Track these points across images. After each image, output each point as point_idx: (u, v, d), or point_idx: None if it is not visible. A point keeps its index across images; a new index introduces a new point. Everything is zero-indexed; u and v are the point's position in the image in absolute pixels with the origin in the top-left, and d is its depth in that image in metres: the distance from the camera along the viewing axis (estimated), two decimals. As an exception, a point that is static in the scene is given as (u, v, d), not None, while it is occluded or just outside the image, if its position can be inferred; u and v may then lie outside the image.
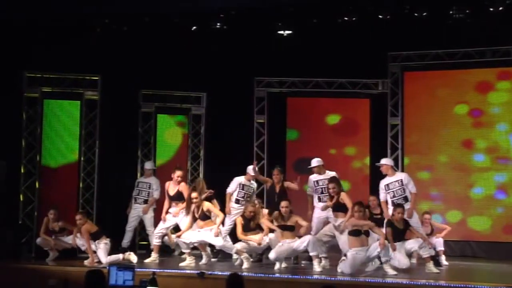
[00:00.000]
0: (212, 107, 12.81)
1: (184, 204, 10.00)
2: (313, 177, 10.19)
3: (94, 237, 9.65)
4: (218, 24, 12.24)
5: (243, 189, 10.27)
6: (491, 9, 11.46)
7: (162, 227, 10.27)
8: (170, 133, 12.86)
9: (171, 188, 10.29)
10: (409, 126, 12.77)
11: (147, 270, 8.35)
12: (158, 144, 12.63)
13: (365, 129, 13.03)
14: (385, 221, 9.46)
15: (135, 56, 11.85)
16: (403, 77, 12.86)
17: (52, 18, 11.22)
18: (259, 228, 9.85)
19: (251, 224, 9.83)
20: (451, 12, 11.69)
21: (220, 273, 8.58)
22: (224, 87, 12.45)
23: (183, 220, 10.04)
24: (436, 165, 12.27)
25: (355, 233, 8.80)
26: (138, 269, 7.65)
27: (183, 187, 10.27)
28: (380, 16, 11.94)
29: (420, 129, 12.72)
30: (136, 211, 10.86)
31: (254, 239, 9.74)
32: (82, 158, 11.45)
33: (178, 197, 10.21)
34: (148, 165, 11.28)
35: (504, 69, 12.39)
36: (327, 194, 9.93)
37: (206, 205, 9.79)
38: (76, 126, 11.54)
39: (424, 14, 11.84)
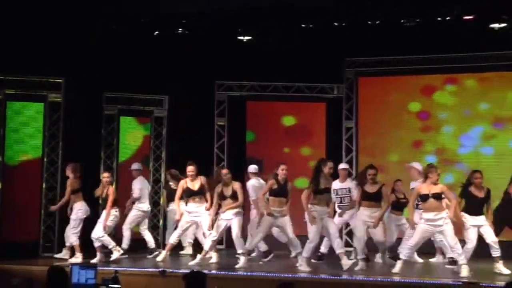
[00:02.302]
0: (174, 110, 12.69)
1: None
2: (335, 185, 10.02)
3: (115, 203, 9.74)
4: (180, 29, 12.17)
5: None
6: (439, 19, 11.63)
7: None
8: (133, 135, 12.68)
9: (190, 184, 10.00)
10: (363, 129, 12.88)
11: (109, 268, 8.23)
12: (121, 145, 12.44)
13: (321, 131, 13.09)
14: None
15: (99, 60, 11.68)
16: (357, 82, 12.98)
17: (16, 20, 10.96)
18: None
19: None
20: (402, 21, 11.80)
21: (181, 270, 8.49)
22: (186, 90, 12.38)
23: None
24: (388, 166, 12.36)
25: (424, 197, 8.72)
26: (101, 268, 7.50)
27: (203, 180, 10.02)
28: (336, 24, 12.01)
29: (373, 132, 12.85)
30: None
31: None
32: (45, 159, 11.22)
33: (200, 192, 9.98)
34: (134, 166, 11.17)
35: (451, 75, 12.62)
36: (346, 204, 10.10)
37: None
38: (40, 128, 11.28)
39: (378, 22, 11.95)
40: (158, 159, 12.56)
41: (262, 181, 10.34)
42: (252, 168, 10.72)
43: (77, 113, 11.53)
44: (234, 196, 9.61)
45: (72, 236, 9.96)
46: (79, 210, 9.98)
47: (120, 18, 11.53)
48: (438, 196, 8.66)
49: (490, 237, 8.91)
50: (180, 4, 11.20)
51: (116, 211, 10.03)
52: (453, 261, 9.21)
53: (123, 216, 10.63)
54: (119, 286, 6.66)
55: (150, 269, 9.06)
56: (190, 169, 9.95)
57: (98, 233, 9.72)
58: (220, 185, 9.63)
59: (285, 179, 9.26)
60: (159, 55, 12.16)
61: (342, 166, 10.71)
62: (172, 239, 9.98)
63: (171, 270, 8.70)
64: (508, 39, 11.65)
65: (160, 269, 8.71)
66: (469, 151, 12.33)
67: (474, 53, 12.19)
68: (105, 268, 8.35)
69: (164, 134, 12.68)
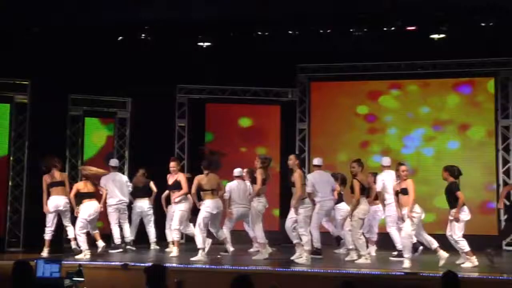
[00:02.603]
0: (137, 111, 12.57)
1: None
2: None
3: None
4: (143, 35, 12.06)
5: None
6: (385, 29, 11.79)
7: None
8: (97, 135, 12.52)
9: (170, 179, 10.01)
10: (314, 130, 12.96)
11: (73, 262, 8.08)
12: (86, 145, 12.26)
13: (276, 132, 13.12)
14: None
15: (65, 62, 11.44)
16: (310, 87, 13.05)
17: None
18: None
19: None
20: (351, 30, 11.91)
21: (143, 264, 8.39)
22: (148, 93, 12.22)
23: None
24: (338, 165, 12.44)
25: None
26: (65, 262, 7.37)
27: (181, 177, 9.99)
28: (290, 32, 12.06)
29: (324, 133, 12.93)
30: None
31: None
32: (11, 158, 10.98)
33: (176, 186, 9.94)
34: (112, 163, 11.02)
35: (395, 81, 12.81)
36: None
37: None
38: (6, 128, 11.01)
39: (328, 31, 12.05)
40: (121, 158, 12.41)
41: (248, 183, 10.29)
42: (237, 171, 10.55)
43: (43, 114, 11.28)
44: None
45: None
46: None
47: (85, 23, 11.34)
48: (405, 191, 8.84)
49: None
50: (143, 12, 11.09)
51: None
52: (400, 254, 9.32)
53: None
54: (82, 279, 6.55)
55: (113, 263, 8.94)
56: (171, 164, 10.03)
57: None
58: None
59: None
60: (123, 59, 11.98)
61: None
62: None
63: (133, 264, 8.60)
64: (447, 49, 11.87)
65: (122, 263, 8.60)
66: (411, 151, 12.52)
67: (416, 61, 12.44)
68: (69, 262, 8.21)
69: (127, 134, 12.56)
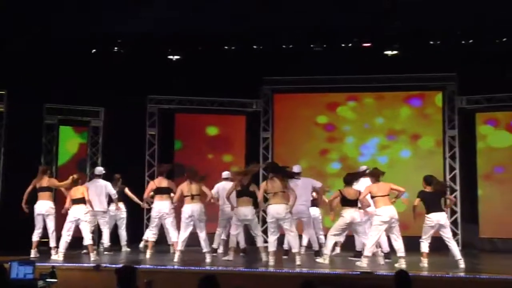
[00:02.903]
0: (110, 120, 12.45)
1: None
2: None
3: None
4: (116, 48, 12.00)
5: None
6: (343, 45, 11.94)
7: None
8: (70, 143, 12.36)
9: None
10: (277, 139, 12.99)
11: (47, 264, 7.92)
12: (60, 152, 12.09)
13: (241, 141, 13.10)
14: None
15: (40, 73, 11.27)
16: (273, 98, 13.06)
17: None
18: None
19: None
20: (312, 46, 12.03)
21: (114, 265, 8.29)
22: (121, 103, 12.13)
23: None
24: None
25: None
26: (39, 264, 7.25)
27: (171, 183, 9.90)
28: (255, 47, 12.13)
29: (286, 142, 12.96)
30: None
31: None
32: (-13, 164, 10.78)
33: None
34: (96, 171, 10.84)
35: (352, 94, 12.90)
36: None
37: None
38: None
39: (291, 46, 12.15)
40: (94, 165, 12.24)
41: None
42: (225, 174, 10.54)
43: (19, 122, 11.10)
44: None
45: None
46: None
47: (61, 35, 11.22)
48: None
49: None
50: (116, 25, 11.04)
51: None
52: (359, 254, 9.40)
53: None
54: (55, 280, 6.45)
55: (85, 264, 8.81)
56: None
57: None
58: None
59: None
60: (97, 70, 11.90)
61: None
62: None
63: (104, 265, 8.49)
64: (399, 64, 12.05)
65: (95, 264, 8.48)
66: (367, 159, 12.55)
67: (372, 75, 12.52)
68: (43, 264, 8.04)
69: (100, 142, 12.43)
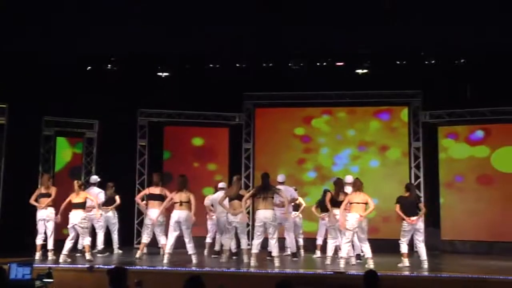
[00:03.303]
0: (103, 132, 12.41)
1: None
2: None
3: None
4: (110, 65, 12.00)
5: None
6: (318, 64, 12.06)
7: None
8: (67, 153, 12.30)
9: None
10: (258, 150, 13.00)
11: (44, 265, 7.87)
12: (57, 161, 12.03)
13: (225, 151, 13.12)
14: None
15: (39, 88, 11.26)
16: (254, 112, 13.09)
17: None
18: None
19: None
20: (290, 64, 12.13)
21: (106, 266, 8.25)
22: (114, 116, 12.14)
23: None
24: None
25: None
26: (36, 265, 7.20)
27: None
28: (238, 65, 12.20)
29: (267, 152, 12.99)
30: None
31: None
32: (-12, 173, 10.71)
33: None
34: (91, 180, 10.78)
35: (327, 108, 12.96)
36: None
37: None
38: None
39: (270, 64, 12.25)
40: (88, 173, 12.20)
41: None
42: (221, 184, 10.48)
43: (19, 133, 11.04)
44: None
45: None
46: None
47: (58, 53, 11.22)
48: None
49: None
50: (110, 45, 11.06)
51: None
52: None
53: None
54: (52, 280, 6.42)
55: (80, 266, 8.76)
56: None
57: None
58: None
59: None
60: (92, 86, 11.90)
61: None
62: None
63: (97, 266, 8.44)
64: (369, 82, 12.20)
65: (88, 265, 8.43)
66: (340, 168, 12.64)
67: (344, 92, 12.61)
68: (40, 265, 8.00)
69: (94, 152, 12.38)
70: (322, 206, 10.17)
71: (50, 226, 9.55)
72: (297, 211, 10.71)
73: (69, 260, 9.18)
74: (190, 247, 9.21)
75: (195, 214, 9.16)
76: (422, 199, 12.04)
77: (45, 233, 9.56)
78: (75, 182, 9.66)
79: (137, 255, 9.60)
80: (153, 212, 9.79)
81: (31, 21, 10.03)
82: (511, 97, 11.57)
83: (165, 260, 9.06)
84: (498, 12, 9.48)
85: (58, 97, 11.55)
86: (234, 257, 9.92)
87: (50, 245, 9.50)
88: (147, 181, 12.27)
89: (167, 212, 9.71)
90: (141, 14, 9.92)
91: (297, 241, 10.40)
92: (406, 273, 8.48)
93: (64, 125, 12.14)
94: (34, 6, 9.69)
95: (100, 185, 10.81)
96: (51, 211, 9.59)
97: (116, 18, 10.06)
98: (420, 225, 9.15)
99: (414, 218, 9.01)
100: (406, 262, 8.96)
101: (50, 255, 9.39)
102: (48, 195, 9.61)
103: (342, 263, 8.88)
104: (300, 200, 10.79)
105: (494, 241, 11.76)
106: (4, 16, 9.74)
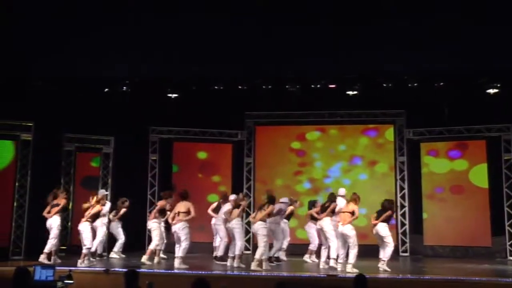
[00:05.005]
0: (119, 148, 12.51)
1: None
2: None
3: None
4: (124, 87, 12.15)
5: None
6: (312, 86, 12.19)
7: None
8: (86, 166, 12.41)
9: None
10: (258, 164, 13.06)
11: (65, 268, 7.94)
12: (77, 174, 12.12)
13: (228, 165, 13.18)
14: None
15: (62, 108, 11.41)
16: (255, 130, 13.18)
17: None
18: None
19: None
20: (287, 86, 12.26)
21: (121, 269, 8.36)
22: (128, 132, 12.25)
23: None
24: (275, 189, 12.47)
25: None
26: (58, 267, 7.28)
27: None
28: (240, 87, 12.33)
29: (266, 166, 13.06)
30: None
31: None
32: (16, 184, 10.84)
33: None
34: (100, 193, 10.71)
35: (320, 126, 13.05)
36: None
37: None
38: (11, 159, 10.85)
39: (270, 87, 12.37)
40: (105, 184, 12.31)
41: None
42: (233, 196, 10.26)
43: (43, 148, 11.19)
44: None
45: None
46: None
47: (79, 76, 11.39)
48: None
49: None
50: (123, 69, 11.24)
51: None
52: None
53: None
54: (72, 281, 6.51)
55: (97, 268, 8.85)
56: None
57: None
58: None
59: None
60: (108, 106, 12.03)
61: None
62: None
63: (113, 269, 8.52)
64: (358, 103, 12.29)
65: (104, 268, 8.51)
66: (332, 181, 12.70)
67: (336, 111, 12.74)
68: (61, 267, 8.07)
69: (110, 166, 12.46)
70: (312, 215, 10.22)
71: (53, 232, 9.58)
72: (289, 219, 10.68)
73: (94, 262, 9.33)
74: (177, 251, 9.27)
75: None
76: (406, 208, 12.18)
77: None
78: (97, 196, 9.74)
79: (155, 260, 9.67)
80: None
81: (55, 50, 10.22)
82: (482, 117, 11.76)
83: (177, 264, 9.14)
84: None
85: (78, 116, 11.69)
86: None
87: (47, 249, 9.47)
88: (157, 192, 12.34)
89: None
90: (153, 42, 10.12)
91: (281, 248, 10.30)
92: (392, 276, 8.55)
93: (84, 141, 12.27)
94: (58, 34, 9.90)
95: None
96: (56, 219, 9.63)
97: (130, 46, 10.26)
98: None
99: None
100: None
101: (42, 257, 9.33)
102: (57, 205, 9.71)
103: (339, 267, 8.96)
104: (290, 208, 10.62)
105: (469, 246, 11.86)
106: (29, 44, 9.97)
